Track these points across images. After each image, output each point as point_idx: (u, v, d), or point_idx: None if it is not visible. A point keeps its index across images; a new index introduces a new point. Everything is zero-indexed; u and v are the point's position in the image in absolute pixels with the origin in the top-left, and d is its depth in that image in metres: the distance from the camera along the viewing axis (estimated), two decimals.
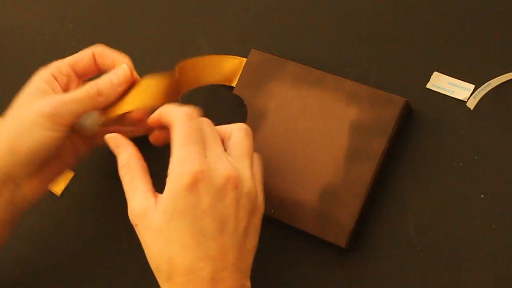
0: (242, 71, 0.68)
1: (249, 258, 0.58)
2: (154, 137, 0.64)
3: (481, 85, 0.62)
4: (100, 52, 0.66)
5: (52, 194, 0.71)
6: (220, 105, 0.69)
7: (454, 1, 0.66)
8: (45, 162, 0.63)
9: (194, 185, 0.55)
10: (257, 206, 0.58)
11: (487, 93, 0.62)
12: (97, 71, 0.67)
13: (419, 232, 0.61)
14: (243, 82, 0.68)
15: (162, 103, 0.61)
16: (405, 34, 0.66)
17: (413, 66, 0.65)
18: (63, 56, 0.77)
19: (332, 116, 0.64)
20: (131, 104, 0.64)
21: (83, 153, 0.67)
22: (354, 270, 0.62)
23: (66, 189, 0.72)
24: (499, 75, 0.62)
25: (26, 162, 0.62)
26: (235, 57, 0.69)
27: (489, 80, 0.62)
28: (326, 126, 0.64)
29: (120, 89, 0.63)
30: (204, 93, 0.70)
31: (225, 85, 0.69)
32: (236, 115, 0.68)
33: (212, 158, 0.56)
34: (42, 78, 0.64)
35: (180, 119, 0.57)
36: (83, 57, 0.66)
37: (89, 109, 0.63)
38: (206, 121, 0.59)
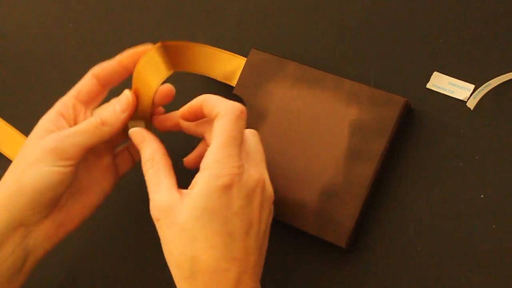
0: (242, 71, 0.68)
1: (263, 261, 0.58)
2: (160, 121, 0.63)
3: (481, 85, 0.62)
4: (100, 70, 0.64)
5: None
6: None
7: (454, 1, 0.66)
8: (55, 203, 0.61)
9: (230, 187, 0.54)
10: (272, 209, 0.59)
11: (487, 93, 0.62)
12: (104, 92, 0.65)
13: (419, 232, 0.61)
14: (243, 82, 0.68)
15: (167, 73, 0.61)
16: (405, 34, 0.66)
17: (413, 66, 0.65)
18: (63, 56, 0.77)
19: (332, 116, 0.64)
20: (149, 86, 0.62)
21: (107, 188, 0.65)
22: (354, 270, 0.62)
23: None
24: (499, 75, 0.62)
25: (34, 203, 0.59)
26: (235, 55, 0.69)
27: (489, 80, 0.62)
28: (326, 126, 0.64)
29: (124, 116, 0.61)
30: (204, 93, 0.70)
31: (225, 85, 0.69)
32: None
33: (246, 161, 0.56)
34: (46, 118, 0.62)
35: (230, 117, 0.56)
36: (84, 84, 0.64)
37: (95, 140, 0.60)
38: None
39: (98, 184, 0.64)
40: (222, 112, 0.56)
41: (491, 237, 0.60)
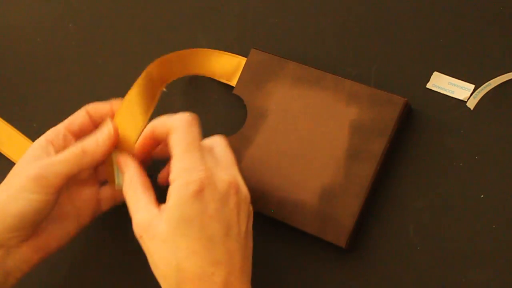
0: (242, 71, 0.68)
1: (250, 261, 0.58)
2: (156, 152, 0.64)
3: (481, 85, 0.62)
4: (93, 108, 0.66)
5: None
6: (220, 105, 0.69)
7: (454, 1, 0.66)
8: (36, 228, 0.62)
9: (200, 191, 0.55)
10: (251, 209, 0.59)
11: (487, 93, 0.62)
12: (94, 128, 0.66)
13: (419, 232, 0.61)
14: (243, 82, 0.68)
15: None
16: (405, 34, 0.66)
17: (413, 66, 0.65)
18: (63, 56, 0.77)
19: (332, 116, 0.64)
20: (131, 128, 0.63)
21: (85, 219, 0.66)
22: (354, 270, 0.62)
23: None
24: (499, 75, 0.62)
25: (15, 227, 0.60)
26: (235, 55, 0.69)
27: (489, 80, 0.62)
28: (326, 126, 0.64)
29: (105, 148, 0.62)
30: (204, 93, 0.70)
31: (225, 85, 0.69)
32: (236, 115, 0.68)
33: (210, 165, 0.57)
34: (36, 145, 0.63)
35: (180, 127, 0.58)
36: (77, 117, 0.66)
37: (75, 169, 0.61)
38: None
39: (78, 214, 0.65)
40: (172, 126, 0.58)
41: (491, 237, 0.60)
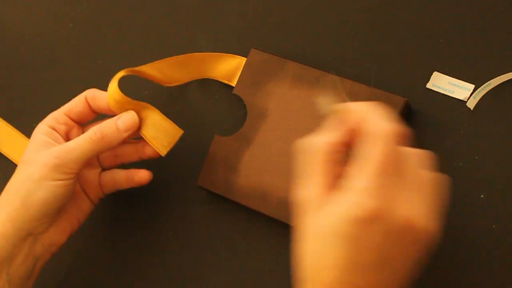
0: (241, 71, 0.68)
1: None
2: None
3: (481, 85, 0.62)
4: (92, 95, 0.66)
5: None
6: (220, 105, 0.69)
7: (454, 1, 0.66)
8: (59, 211, 0.64)
9: (367, 221, 0.48)
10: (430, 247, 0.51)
11: (487, 93, 0.62)
12: (93, 115, 0.67)
13: None
14: (243, 82, 0.68)
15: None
16: (405, 34, 0.66)
17: (413, 66, 0.65)
18: (63, 56, 0.77)
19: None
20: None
21: (93, 200, 0.68)
22: None
23: None
24: (499, 75, 0.62)
25: (41, 216, 0.62)
26: (235, 55, 0.69)
27: (489, 80, 0.62)
28: None
29: (126, 135, 0.64)
30: (204, 93, 0.70)
31: (225, 85, 0.69)
32: (236, 115, 0.68)
33: (400, 194, 0.49)
34: (41, 132, 0.64)
35: (384, 139, 0.49)
36: (77, 104, 0.66)
37: (94, 154, 0.63)
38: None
39: (87, 193, 0.67)
40: (373, 132, 0.49)
41: (491, 237, 0.60)
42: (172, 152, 0.66)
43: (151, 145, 0.65)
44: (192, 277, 0.66)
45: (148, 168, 0.67)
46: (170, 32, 0.74)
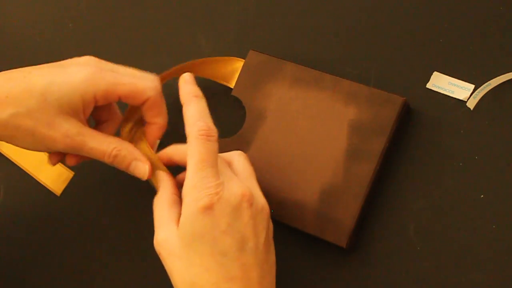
0: (240, 73, 0.68)
1: (272, 275, 0.57)
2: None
3: (481, 85, 0.62)
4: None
5: (52, 194, 0.71)
6: (219, 106, 0.69)
7: (454, 1, 0.66)
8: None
9: (210, 207, 0.55)
10: (270, 222, 0.58)
11: (487, 93, 0.62)
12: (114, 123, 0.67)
13: (419, 232, 0.61)
14: (242, 83, 0.68)
15: None
16: (405, 34, 0.66)
17: (413, 66, 0.65)
18: (63, 56, 0.77)
19: (331, 116, 0.64)
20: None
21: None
22: (355, 270, 0.62)
23: (66, 189, 0.72)
24: (499, 75, 0.62)
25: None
26: (233, 58, 0.69)
27: (489, 80, 0.62)
28: (325, 126, 0.64)
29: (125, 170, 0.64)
30: (203, 95, 0.70)
31: (223, 87, 0.69)
32: (235, 116, 0.68)
33: (225, 178, 0.56)
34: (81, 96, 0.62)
35: (196, 140, 0.57)
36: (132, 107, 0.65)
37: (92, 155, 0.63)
38: None
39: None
40: (188, 138, 0.57)
41: (491, 237, 0.60)
42: None
43: None
44: None
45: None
46: (170, 32, 0.74)
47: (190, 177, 0.56)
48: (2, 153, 0.75)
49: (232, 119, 0.68)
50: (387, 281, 0.61)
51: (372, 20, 0.68)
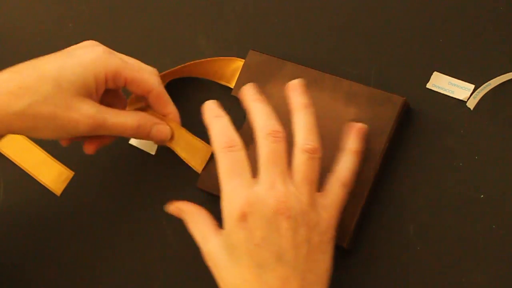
0: (240, 73, 0.68)
1: (320, 284, 0.56)
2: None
3: (481, 85, 0.62)
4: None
5: (52, 194, 0.71)
6: None
7: (454, 1, 0.66)
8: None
9: (242, 219, 0.55)
10: (322, 231, 0.57)
11: (487, 93, 0.62)
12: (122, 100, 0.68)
13: (419, 232, 0.61)
14: (242, 83, 0.67)
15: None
16: (405, 34, 0.66)
17: (413, 66, 0.65)
18: None
19: (331, 116, 0.64)
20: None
21: None
22: (355, 269, 0.62)
23: (66, 189, 0.72)
24: (499, 75, 0.62)
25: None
26: (233, 58, 0.69)
27: (489, 80, 0.62)
28: (325, 126, 0.64)
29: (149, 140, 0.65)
30: (203, 95, 0.70)
31: (223, 87, 0.69)
32: (235, 116, 0.68)
33: (262, 187, 0.56)
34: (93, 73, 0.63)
35: (218, 151, 0.58)
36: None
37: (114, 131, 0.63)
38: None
39: None
40: (213, 147, 0.58)
41: (491, 237, 0.60)
42: (172, 154, 0.66)
43: (188, 164, 0.66)
44: (192, 277, 0.66)
45: (148, 169, 0.67)
46: (170, 32, 0.74)
47: (222, 188, 0.57)
48: (2, 153, 0.75)
49: (232, 119, 0.68)
50: (387, 281, 0.61)
51: (372, 20, 0.68)
